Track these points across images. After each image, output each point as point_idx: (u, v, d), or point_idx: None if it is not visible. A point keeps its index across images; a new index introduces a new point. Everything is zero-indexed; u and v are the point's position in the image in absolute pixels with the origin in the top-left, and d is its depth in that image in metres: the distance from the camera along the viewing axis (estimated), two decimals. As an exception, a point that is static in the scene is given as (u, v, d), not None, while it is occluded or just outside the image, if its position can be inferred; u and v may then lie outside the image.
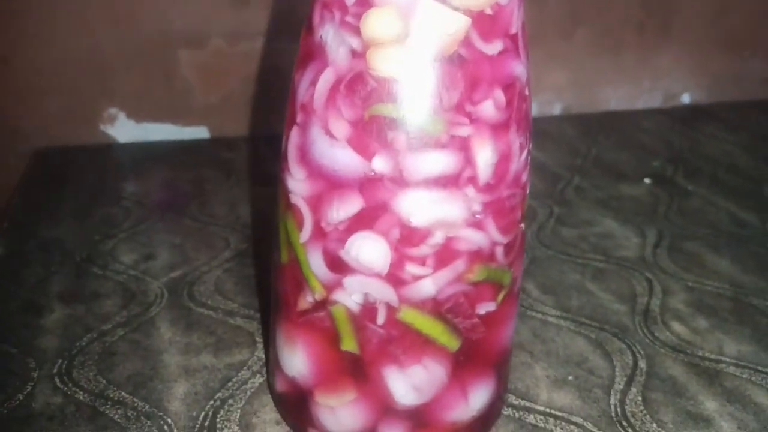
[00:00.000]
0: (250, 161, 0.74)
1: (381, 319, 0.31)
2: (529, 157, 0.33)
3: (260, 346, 0.44)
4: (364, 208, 0.30)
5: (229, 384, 0.41)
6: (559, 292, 0.51)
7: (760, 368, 0.43)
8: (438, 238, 0.30)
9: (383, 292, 0.31)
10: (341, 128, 0.30)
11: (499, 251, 0.32)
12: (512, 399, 0.40)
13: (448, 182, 0.30)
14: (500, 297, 0.33)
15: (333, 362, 0.33)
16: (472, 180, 0.30)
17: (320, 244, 0.32)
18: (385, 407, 0.33)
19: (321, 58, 0.30)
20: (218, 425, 0.38)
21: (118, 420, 0.38)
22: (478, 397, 0.35)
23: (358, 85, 0.29)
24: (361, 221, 0.30)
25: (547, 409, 0.40)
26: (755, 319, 0.49)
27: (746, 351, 0.45)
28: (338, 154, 0.30)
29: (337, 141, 0.30)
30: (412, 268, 0.31)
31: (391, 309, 0.31)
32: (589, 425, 0.38)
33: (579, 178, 0.72)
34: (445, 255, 0.31)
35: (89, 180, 0.69)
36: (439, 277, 0.31)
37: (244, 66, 0.77)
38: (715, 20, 0.94)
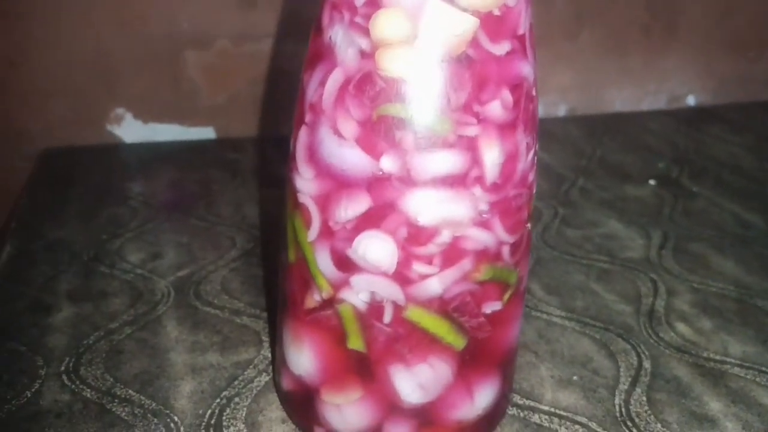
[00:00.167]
0: (256, 162, 0.75)
1: (387, 317, 0.32)
2: (535, 157, 0.33)
3: (266, 344, 0.45)
4: (371, 207, 0.30)
5: (236, 382, 0.41)
6: (563, 292, 0.51)
7: (764, 369, 0.44)
8: (445, 237, 0.30)
9: (390, 291, 0.31)
10: (350, 128, 0.30)
11: (506, 251, 0.32)
12: (517, 398, 0.40)
13: (456, 182, 0.30)
14: (506, 296, 0.34)
15: (339, 360, 0.34)
16: (479, 180, 0.30)
17: (328, 243, 0.32)
18: (391, 405, 0.34)
19: (330, 58, 0.30)
20: (224, 423, 0.38)
21: (125, 417, 0.38)
22: (483, 396, 0.35)
23: (367, 85, 0.29)
24: (369, 220, 0.30)
25: (552, 409, 0.40)
26: (760, 320, 0.49)
27: (751, 352, 0.45)
28: (346, 154, 0.30)
29: (346, 141, 0.30)
30: (418, 267, 0.31)
31: (397, 308, 0.31)
32: (593, 425, 0.38)
33: (584, 179, 0.73)
34: (451, 254, 0.31)
35: (96, 180, 0.69)
36: (445, 276, 0.31)
37: (250, 67, 0.78)
38: (720, 22, 0.94)
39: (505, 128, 0.30)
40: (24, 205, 0.64)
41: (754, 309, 0.50)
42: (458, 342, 0.33)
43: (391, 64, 0.29)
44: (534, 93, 0.32)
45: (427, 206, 0.30)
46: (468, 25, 0.28)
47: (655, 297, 0.51)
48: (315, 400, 0.35)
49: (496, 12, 0.29)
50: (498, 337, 0.34)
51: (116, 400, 0.39)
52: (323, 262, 0.32)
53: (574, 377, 0.42)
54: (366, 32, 0.29)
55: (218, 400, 0.40)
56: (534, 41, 0.32)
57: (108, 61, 0.73)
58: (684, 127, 0.90)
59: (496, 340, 0.35)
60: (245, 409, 0.39)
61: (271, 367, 0.42)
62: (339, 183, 0.31)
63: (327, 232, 0.32)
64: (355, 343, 0.33)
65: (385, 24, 0.28)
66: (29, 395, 0.39)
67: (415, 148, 0.29)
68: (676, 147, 0.83)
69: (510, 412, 0.39)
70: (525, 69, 0.31)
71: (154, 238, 0.58)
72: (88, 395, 0.40)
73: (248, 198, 0.66)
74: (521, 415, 0.39)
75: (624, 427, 0.38)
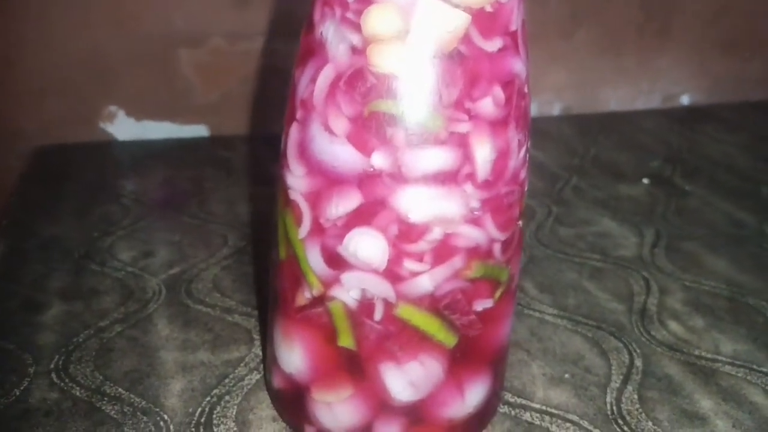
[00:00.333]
0: (249, 160, 0.74)
1: (378, 315, 0.32)
2: (527, 155, 0.33)
3: (257, 343, 0.45)
4: (362, 204, 0.30)
5: (226, 380, 0.41)
6: (556, 290, 0.51)
7: (755, 367, 0.44)
8: (436, 234, 0.30)
9: (381, 288, 0.31)
10: (341, 124, 0.30)
11: (497, 248, 0.32)
12: (508, 396, 0.40)
13: (447, 179, 0.30)
14: (497, 294, 0.33)
15: (330, 358, 0.34)
16: (471, 176, 0.30)
17: (318, 240, 0.32)
18: (381, 403, 0.33)
19: (321, 54, 0.30)
20: (215, 421, 0.38)
21: (115, 416, 0.38)
22: (474, 394, 0.35)
23: (358, 81, 0.29)
24: (360, 217, 0.30)
25: (544, 407, 0.40)
26: (751, 318, 0.49)
27: (742, 350, 0.45)
28: (337, 150, 0.30)
29: (337, 137, 0.30)
30: (409, 264, 0.31)
31: (388, 305, 0.31)
32: (585, 423, 0.38)
33: (577, 178, 0.73)
34: (442, 251, 0.31)
35: (88, 177, 0.69)
36: (436, 274, 0.31)
37: (243, 65, 0.77)
38: (714, 21, 0.94)
39: (497, 125, 0.30)
40: (16, 203, 0.63)
41: (746, 307, 0.50)
42: (449, 340, 0.33)
43: (383, 60, 0.28)
44: (526, 90, 0.32)
45: (418, 203, 0.30)
46: (460, 21, 0.28)
47: (648, 295, 0.51)
48: (306, 398, 0.35)
49: (488, 8, 0.29)
50: (489, 334, 0.34)
51: (106, 399, 0.39)
52: (314, 259, 0.32)
53: (566, 375, 0.42)
54: (357, 28, 0.29)
55: (208, 399, 0.39)
56: (527, 38, 0.32)
57: (102, 58, 0.73)
58: (678, 126, 0.90)
59: (487, 338, 0.34)
60: (236, 407, 0.39)
61: (262, 365, 0.42)
62: (330, 180, 0.31)
63: (318, 229, 0.31)
64: (346, 340, 0.32)
65: (377, 20, 0.28)
66: (18, 393, 0.39)
67: (407, 145, 0.29)
68: (670, 146, 0.83)
69: (501, 410, 0.39)
70: (517, 66, 0.31)
71: (146, 235, 0.57)
72: (78, 393, 0.39)
73: (240, 196, 0.65)
74: (512, 413, 0.39)
75: (615, 425, 0.38)
